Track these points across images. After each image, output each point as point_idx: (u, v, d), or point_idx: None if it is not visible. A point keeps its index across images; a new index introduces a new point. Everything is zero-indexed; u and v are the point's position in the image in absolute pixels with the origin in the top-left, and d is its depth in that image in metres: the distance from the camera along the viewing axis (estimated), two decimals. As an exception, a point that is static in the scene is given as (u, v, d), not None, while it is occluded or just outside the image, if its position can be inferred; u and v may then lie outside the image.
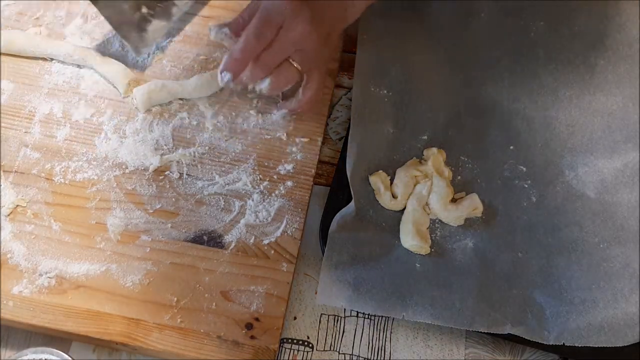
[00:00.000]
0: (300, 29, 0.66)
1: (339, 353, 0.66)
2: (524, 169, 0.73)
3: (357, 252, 0.67)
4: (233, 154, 0.72)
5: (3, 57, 0.75)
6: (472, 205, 0.69)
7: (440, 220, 0.70)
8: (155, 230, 0.68)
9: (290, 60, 0.68)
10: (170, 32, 0.76)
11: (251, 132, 0.74)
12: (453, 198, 0.71)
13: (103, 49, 0.76)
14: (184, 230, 0.68)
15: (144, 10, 0.70)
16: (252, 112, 0.75)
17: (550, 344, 0.63)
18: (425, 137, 0.74)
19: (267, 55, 0.67)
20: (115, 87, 0.75)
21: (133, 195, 0.69)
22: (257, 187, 0.71)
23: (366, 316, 0.67)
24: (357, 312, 0.67)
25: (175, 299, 0.64)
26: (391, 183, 0.71)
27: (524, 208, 0.71)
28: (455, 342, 0.67)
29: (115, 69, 0.74)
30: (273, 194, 0.70)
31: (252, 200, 0.70)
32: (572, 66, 0.79)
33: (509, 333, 0.64)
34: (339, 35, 0.76)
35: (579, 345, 0.63)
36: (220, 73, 0.66)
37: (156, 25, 0.72)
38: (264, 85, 0.69)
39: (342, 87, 0.80)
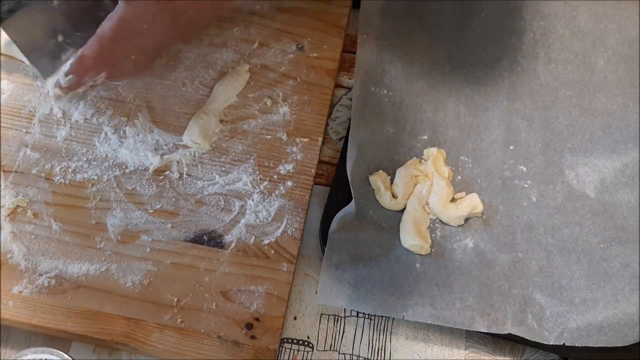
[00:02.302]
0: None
1: (339, 353, 0.66)
2: (524, 169, 0.73)
3: (357, 252, 0.67)
4: (233, 154, 0.72)
5: (3, 57, 0.75)
6: (472, 205, 0.69)
7: (440, 220, 0.70)
8: (155, 230, 0.68)
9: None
10: None
11: (251, 132, 0.74)
12: (453, 198, 0.71)
13: None
14: (184, 230, 0.68)
15: (60, 38, 0.68)
16: (254, 112, 0.75)
17: (551, 344, 0.63)
18: (425, 137, 0.75)
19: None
20: (21, 60, 0.75)
21: (133, 195, 0.69)
22: (257, 187, 0.71)
23: (366, 316, 0.67)
24: (357, 312, 0.67)
25: (176, 299, 0.64)
26: (391, 183, 0.71)
27: (524, 208, 0.71)
28: (455, 342, 0.67)
29: None
30: (273, 194, 0.70)
31: (252, 200, 0.70)
32: (572, 66, 0.79)
33: (509, 333, 0.64)
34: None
35: (579, 345, 0.63)
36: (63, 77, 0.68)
37: (71, 54, 0.70)
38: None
39: (342, 87, 0.80)
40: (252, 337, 0.63)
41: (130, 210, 0.68)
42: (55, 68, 0.71)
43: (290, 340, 0.66)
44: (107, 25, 0.66)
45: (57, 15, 0.67)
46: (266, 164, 0.72)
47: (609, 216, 0.70)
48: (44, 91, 0.74)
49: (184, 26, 0.71)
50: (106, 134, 0.72)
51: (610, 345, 0.63)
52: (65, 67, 0.68)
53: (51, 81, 0.71)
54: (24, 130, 0.72)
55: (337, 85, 0.79)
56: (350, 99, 0.77)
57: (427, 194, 0.70)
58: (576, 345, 0.63)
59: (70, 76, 0.68)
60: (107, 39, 0.66)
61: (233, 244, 0.67)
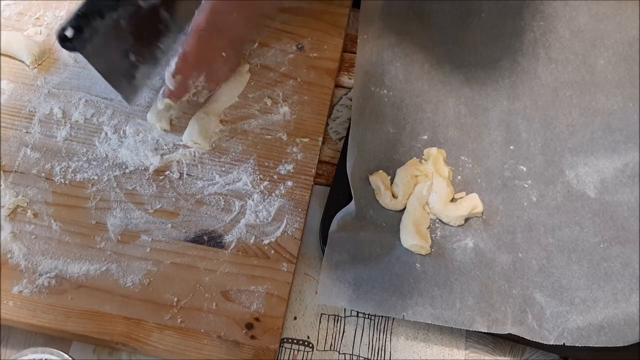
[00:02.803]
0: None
1: (339, 353, 0.66)
2: (524, 168, 0.73)
3: (357, 252, 0.67)
4: (233, 154, 0.72)
5: (3, 57, 0.75)
6: (472, 205, 0.69)
7: (440, 220, 0.70)
8: (155, 230, 0.68)
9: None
10: (157, 73, 0.74)
11: (251, 132, 0.74)
12: (453, 198, 0.71)
13: None
14: (184, 230, 0.68)
15: (132, 57, 0.69)
16: (254, 112, 0.75)
17: (551, 344, 0.63)
18: (425, 137, 0.75)
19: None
20: (21, 60, 0.75)
21: (133, 195, 0.69)
22: (257, 187, 0.71)
23: (366, 316, 0.67)
24: (357, 312, 0.67)
25: (176, 299, 0.64)
26: (391, 183, 0.71)
27: (524, 208, 0.71)
28: (455, 342, 0.67)
29: (17, 40, 0.75)
30: (273, 194, 0.70)
31: (253, 200, 0.70)
32: (572, 66, 0.79)
33: (509, 333, 0.64)
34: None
35: (579, 345, 0.63)
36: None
37: (144, 71, 0.71)
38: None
39: (342, 87, 0.80)
40: (252, 337, 0.63)
41: (130, 210, 0.68)
42: (133, 88, 0.72)
43: (290, 340, 0.66)
44: (200, 18, 0.67)
45: (125, 34, 0.68)
46: (266, 164, 0.72)
47: (609, 216, 0.70)
48: (44, 91, 0.74)
49: (259, 17, 0.73)
50: (106, 133, 0.72)
51: (610, 345, 0.63)
52: (170, 68, 0.68)
53: (157, 96, 0.71)
54: (24, 130, 0.72)
55: (337, 85, 0.79)
56: (350, 99, 0.77)
57: (427, 194, 0.70)
58: (576, 345, 0.63)
59: (177, 76, 0.68)
60: (203, 31, 0.67)
61: (233, 244, 0.67)
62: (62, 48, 0.64)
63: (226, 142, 0.73)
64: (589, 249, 0.68)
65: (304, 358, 0.65)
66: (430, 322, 0.64)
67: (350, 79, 0.80)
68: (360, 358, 0.66)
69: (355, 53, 0.78)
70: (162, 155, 0.71)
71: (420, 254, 0.67)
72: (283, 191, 0.70)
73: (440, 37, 0.80)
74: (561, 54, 0.79)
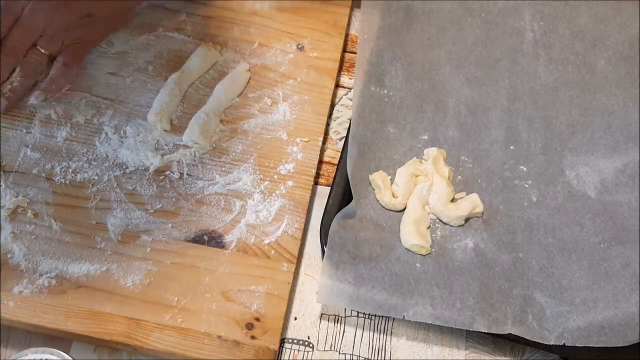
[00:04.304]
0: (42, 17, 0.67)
1: (339, 353, 0.66)
2: (524, 169, 0.73)
3: (357, 252, 0.67)
4: (233, 154, 0.72)
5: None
6: (473, 205, 0.69)
7: (440, 220, 0.70)
8: (155, 230, 0.68)
9: (38, 47, 0.68)
10: None
11: (252, 132, 0.74)
12: (453, 198, 0.71)
13: None
14: (184, 230, 0.68)
15: None
16: (254, 111, 0.75)
17: (551, 344, 0.63)
18: (425, 137, 0.75)
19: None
20: None
21: (133, 195, 0.69)
22: (257, 187, 0.71)
23: (366, 316, 0.67)
24: (358, 312, 0.67)
25: (176, 299, 0.64)
26: (391, 183, 0.71)
27: (525, 208, 0.71)
28: (455, 342, 0.67)
29: None
30: (273, 194, 0.70)
31: (253, 200, 0.70)
32: (573, 66, 0.79)
33: (509, 333, 0.64)
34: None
35: (580, 345, 0.63)
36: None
37: None
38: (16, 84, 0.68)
39: (342, 87, 0.80)
40: (253, 337, 0.63)
41: (130, 210, 0.68)
42: None
43: (290, 340, 0.66)
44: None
45: None
46: (266, 163, 0.72)
47: (610, 216, 0.70)
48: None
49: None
50: (106, 134, 0.72)
51: (611, 345, 0.63)
52: None
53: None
54: (24, 130, 0.72)
55: (337, 85, 0.79)
56: (351, 99, 0.77)
57: (428, 194, 0.70)
58: (576, 345, 0.63)
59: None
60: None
61: (233, 244, 0.67)
62: None
63: (226, 142, 0.73)
64: (589, 249, 0.68)
65: (304, 358, 0.65)
66: (430, 322, 0.64)
67: (350, 79, 0.80)
68: (361, 358, 0.66)
69: (355, 53, 0.78)
70: (162, 155, 0.71)
71: (420, 254, 0.67)
72: (283, 191, 0.70)
73: (440, 37, 0.80)
74: (561, 54, 0.79)
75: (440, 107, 0.76)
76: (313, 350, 0.66)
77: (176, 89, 0.74)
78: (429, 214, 0.70)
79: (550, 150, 0.74)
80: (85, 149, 0.71)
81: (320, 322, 0.67)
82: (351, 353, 0.66)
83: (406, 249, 0.68)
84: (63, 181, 0.69)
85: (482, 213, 0.70)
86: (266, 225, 0.69)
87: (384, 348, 0.66)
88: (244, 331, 0.63)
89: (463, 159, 0.74)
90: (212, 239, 0.68)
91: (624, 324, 0.64)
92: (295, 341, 0.66)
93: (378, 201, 0.70)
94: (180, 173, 0.71)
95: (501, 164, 0.73)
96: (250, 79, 0.77)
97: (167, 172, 0.71)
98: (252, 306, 0.64)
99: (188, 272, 0.66)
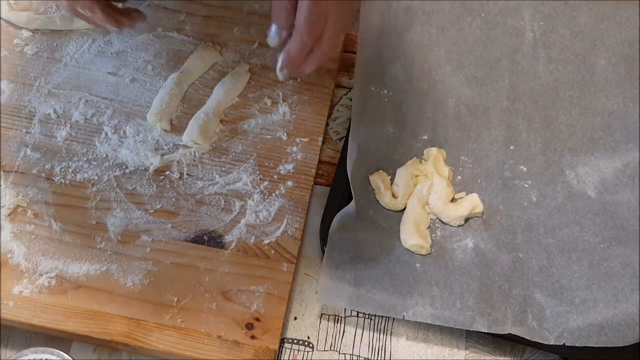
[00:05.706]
0: (347, 18, 0.66)
1: (339, 353, 0.66)
2: (524, 169, 0.73)
3: (357, 252, 0.67)
4: (233, 154, 0.72)
5: (3, 57, 0.75)
6: (472, 205, 0.69)
7: (440, 220, 0.70)
8: (155, 230, 0.68)
9: None
10: None
11: (251, 132, 0.74)
12: (453, 198, 0.71)
13: None
14: (184, 230, 0.68)
15: None
16: (254, 112, 0.75)
17: (551, 344, 0.63)
18: (425, 137, 0.75)
19: (319, 50, 0.64)
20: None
21: (133, 195, 0.69)
22: (257, 187, 0.71)
23: (366, 316, 0.67)
24: (358, 312, 0.67)
25: (176, 299, 0.64)
26: (391, 183, 0.71)
27: (524, 208, 0.71)
28: (455, 342, 0.67)
29: None
30: (273, 194, 0.70)
31: (253, 200, 0.70)
32: (572, 66, 0.79)
33: (509, 333, 0.64)
34: None
35: (579, 345, 0.63)
36: (280, 71, 0.65)
37: None
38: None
39: (342, 87, 0.80)
40: (252, 337, 0.63)
41: (130, 210, 0.68)
42: None
43: (290, 340, 0.66)
44: (303, 19, 0.62)
45: None
46: (266, 164, 0.72)
47: (609, 216, 0.70)
48: (44, 91, 0.74)
49: None
50: (106, 134, 0.72)
51: (611, 345, 0.63)
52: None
53: None
54: (24, 130, 0.72)
55: (337, 85, 0.79)
56: (350, 99, 0.77)
57: (428, 194, 0.70)
58: (576, 345, 0.63)
59: (284, 72, 0.65)
60: (304, 33, 0.62)
61: (233, 244, 0.67)
62: None
63: (226, 142, 0.73)
64: (589, 249, 0.68)
65: (304, 358, 0.65)
66: (430, 322, 0.64)
67: (350, 79, 0.80)
68: (361, 358, 0.66)
69: (355, 53, 0.78)
70: (162, 155, 0.71)
71: (420, 254, 0.67)
72: (283, 191, 0.70)
73: (440, 37, 0.80)
74: (561, 54, 0.79)
75: (440, 107, 0.76)
76: (313, 350, 0.66)
77: (176, 89, 0.74)
78: (428, 214, 0.70)
79: (550, 150, 0.74)
80: (85, 149, 0.71)
81: (320, 322, 0.67)
82: (351, 353, 0.66)
83: (406, 249, 0.68)
84: (63, 181, 0.69)
85: (482, 213, 0.70)
86: (266, 226, 0.69)
87: (384, 348, 0.66)
88: (244, 331, 0.63)
89: (463, 159, 0.74)
90: (212, 239, 0.68)
91: (624, 323, 0.64)
92: (295, 341, 0.66)
93: (378, 201, 0.70)
94: (180, 173, 0.71)
95: (501, 164, 0.73)
96: (250, 79, 0.77)
97: (167, 172, 0.71)
98: (252, 306, 0.64)
99: (188, 272, 0.66)
